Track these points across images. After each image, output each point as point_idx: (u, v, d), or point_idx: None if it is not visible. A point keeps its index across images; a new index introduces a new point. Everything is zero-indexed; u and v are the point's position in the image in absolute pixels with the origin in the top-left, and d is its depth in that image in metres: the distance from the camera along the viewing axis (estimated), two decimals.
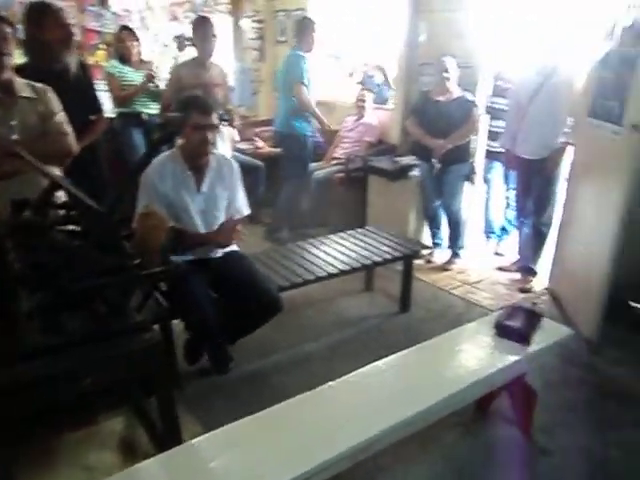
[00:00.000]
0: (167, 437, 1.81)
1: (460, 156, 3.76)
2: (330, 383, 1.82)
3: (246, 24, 5.99)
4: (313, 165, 4.60)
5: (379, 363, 1.97)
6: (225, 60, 5.25)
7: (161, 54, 6.62)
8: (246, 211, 2.65)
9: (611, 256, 2.74)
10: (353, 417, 1.68)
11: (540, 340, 2.12)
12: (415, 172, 3.98)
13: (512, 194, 3.89)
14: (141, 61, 4.20)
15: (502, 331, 2.15)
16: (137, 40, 4.19)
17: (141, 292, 1.72)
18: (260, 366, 2.68)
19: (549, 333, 2.19)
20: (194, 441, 1.59)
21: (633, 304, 3.26)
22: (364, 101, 4.61)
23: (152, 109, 4.12)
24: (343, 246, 3.18)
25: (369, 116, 4.64)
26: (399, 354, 2.03)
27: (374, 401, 1.76)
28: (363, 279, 3.51)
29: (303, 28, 4.21)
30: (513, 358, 2.03)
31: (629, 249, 2.79)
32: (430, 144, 3.72)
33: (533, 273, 3.64)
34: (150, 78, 4.03)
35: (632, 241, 2.78)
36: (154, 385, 1.80)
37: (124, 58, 4.11)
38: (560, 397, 2.47)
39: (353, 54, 5.58)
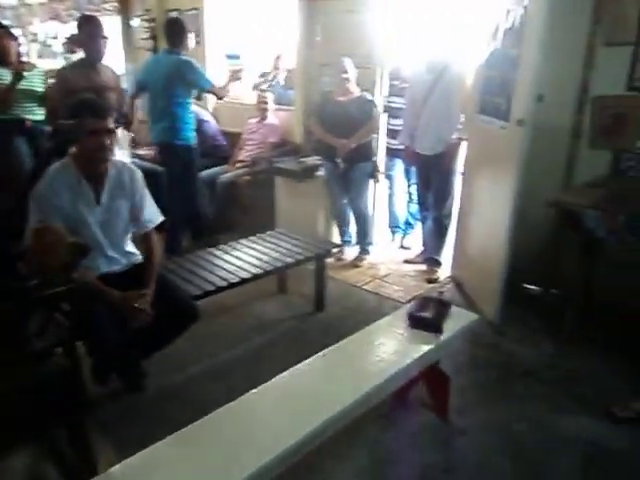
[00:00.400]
0: (80, 469, 1.68)
1: (363, 155, 3.86)
2: (253, 391, 1.79)
3: (137, 24, 5.74)
4: (218, 169, 4.51)
5: (300, 365, 1.96)
6: (115, 61, 4.98)
7: (41, 55, 6.16)
8: (158, 219, 2.51)
9: (506, 242, 2.94)
10: (279, 423, 1.66)
11: (450, 327, 2.23)
12: (321, 172, 4.03)
13: (414, 189, 4.06)
14: (20, 62, 3.82)
15: (415, 322, 2.23)
16: (15, 39, 3.84)
17: (41, 315, 1.58)
18: (179, 380, 2.57)
19: (458, 320, 2.30)
20: (111, 470, 1.49)
21: (527, 286, 3.53)
22: (265, 102, 4.59)
23: (38, 115, 3.80)
24: (254, 250, 3.15)
25: (271, 117, 4.63)
26: (319, 354, 2.04)
27: (298, 404, 1.76)
28: (276, 282, 3.49)
29: (179, 30, 3.85)
30: (427, 347, 2.12)
31: (520, 235, 3.02)
32: (334, 144, 3.79)
33: (438, 263, 3.83)
34: (18, 75, 3.57)
35: (523, 227, 3.01)
36: (61, 414, 1.67)
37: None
38: (471, 378, 2.62)
39: (254, 54, 5.52)
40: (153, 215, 2.48)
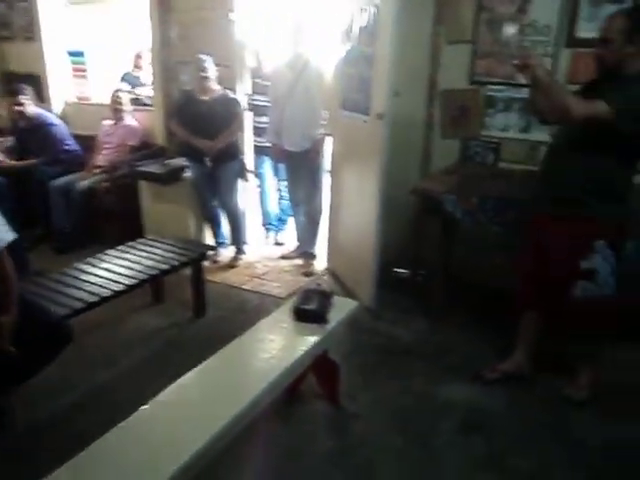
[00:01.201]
0: None
1: (230, 154, 3.81)
2: (142, 407, 1.68)
3: None
4: (73, 176, 4.16)
5: (190, 374, 1.89)
6: None
7: None
8: (9, 236, 2.17)
9: (376, 231, 3.10)
10: (175, 437, 1.58)
11: (334, 317, 2.29)
12: (187, 173, 3.89)
13: (284, 185, 4.11)
14: None
15: (301, 315, 2.26)
16: None
17: None
18: (54, 411, 2.33)
19: (340, 308, 2.38)
20: None
21: (397, 270, 3.76)
22: (120, 103, 4.32)
23: None
24: (125, 260, 2.95)
25: (129, 118, 4.37)
26: (207, 360, 1.97)
27: (192, 414, 1.68)
28: (152, 291, 3.31)
29: None
30: (315, 338, 2.16)
31: (388, 222, 3.20)
32: (200, 145, 3.69)
33: (313, 257, 3.92)
34: None
35: (390, 215, 3.19)
36: None
37: None
38: (357, 363, 2.72)
39: (105, 52, 5.14)
40: (3, 234, 2.16)
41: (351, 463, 2.09)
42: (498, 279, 2.92)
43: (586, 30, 2.92)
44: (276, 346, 2.13)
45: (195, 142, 3.70)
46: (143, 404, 1.69)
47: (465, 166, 3.35)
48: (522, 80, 2.74)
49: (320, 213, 3.86)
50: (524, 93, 3.06)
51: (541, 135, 3.10)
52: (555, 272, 2.32)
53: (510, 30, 3.15)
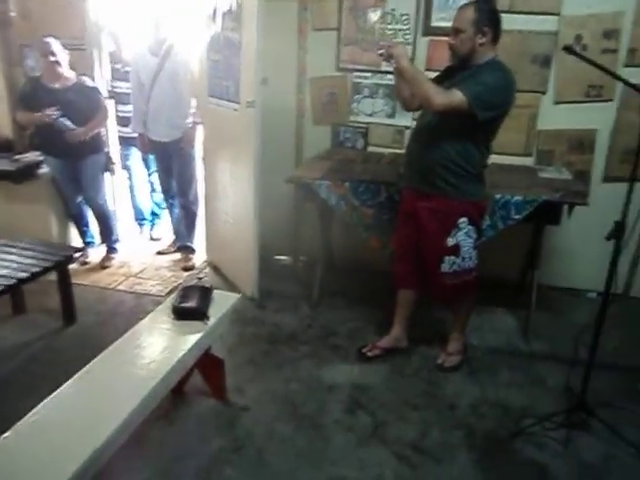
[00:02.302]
0: None
1: (93, 146, 3.52)
2: (5, 435, 1.51)
3: None
4: None
5: (61, 389, 1.73)
6: None
7: None
8: None
9: (254, 220, 3.07)
10: (47, 460, 1.44)
11: (215, 311, 2.24)
12: (44, 169, 3.54)
13: (155, 178, 3.91)
14: None
15: (180, 314, 2.18)
16: None
17: None
18: None
19: (221, 303, 2.33)
20: None
21: (278, 257, 3.77)
22: None
23: None
24: None
25: None
26: (81, 371, 1.83)
27: (66, 433, 1.55)
28: (10, 303, 2.98)
29: None
30: (197, 336, 2.09)
31: (266, 211, 3.19)
32: (61, 127, 3.29)
33: (192, 250, 3.79)
34: None
35: (267, 203, 3.18)
36: None
37: None
38: (243, 356, 2.69)
39: None
40: None
41: (242, 457, 2.07)
42: (376, 261, 3.04)
43: (440, 20, 3.11)
44: (156, 349, 2.02)
45: (56, 124, 3.29)
46: (4, 431, 1.52)
47: (337, 152, 3.43)
48: (386, 67, 2.85)
49: (196, 205, 3.73)
50: (388, 80, 3.20)
51: (406, 120, 3.26)
52: (425, 249, 2.47)
53: (372, 18, 3.25)
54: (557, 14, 3.01)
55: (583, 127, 3.15)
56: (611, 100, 3.07)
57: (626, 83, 1.97)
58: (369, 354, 2.69)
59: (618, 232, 1.96)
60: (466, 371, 2.64)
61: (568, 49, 1.86)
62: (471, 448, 2.15)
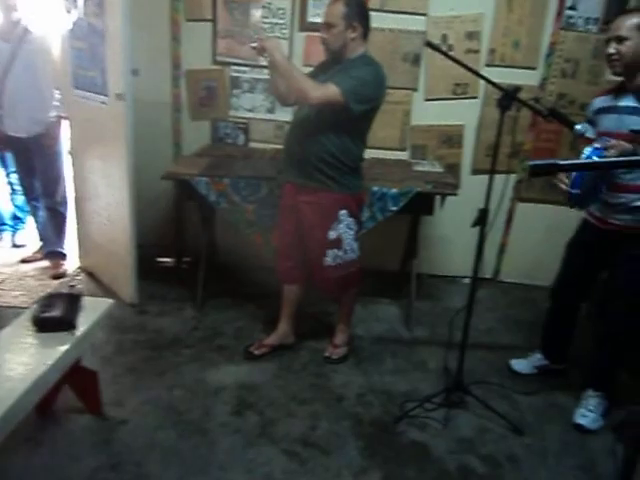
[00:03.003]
0: None
1: None
2: None
3: None
4: None
5: None
6: None
7: None
8: None
9: (130, 221, 2.87)
10: None
11: (85, 320, 2.06)
12: None
13: (15, 178, 3.53)
14: None
15: (42, 325, 1.97)
16: None
17: None
18: None
19: (93, 310, 2.14)
20: None
21: (160, 259, 3.59)
22: None
23: None
24: None
25: None
26: None
27: None
28: None
29: None
30: (62, 348, 1.90)
31: (144, 210, 3.01)
32: None
33: (62, 256, 3.48)
34: None
35: (145, 202, 3.00)
36: None
37: None
38: (122, 365, 2.51)
39: None
40: None
41: (121, 474, 1.92)
42: (262, 257, 2.99)
43: (316, 15, 3.13)
44: (13, 366, 1.80)
45: None
46: None
47: (217, 148, 3.33)
48: (264, 61, 2.80)
49: (64, 206, 3.43)
50: (267, 74, 3.15)
51: (286, 115, 3.24)
52: (308, 243, 2.47)
53: (248, 11, 3.19)
54: (424, 14, 3.16)
55: (452, 123, 3.35)
56: (476, 97, 3.28)
57: (482, 77, 2.10)
58: (256, 352, 2.64)
59: (482, 219, 2.08)
60: (353, 361, 2.68)
61: (429, 44, 1.94)
62: (358, 436, 2.18)
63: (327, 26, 2.25)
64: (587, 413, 2.30)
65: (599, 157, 1.85)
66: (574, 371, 2.59)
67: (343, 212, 2.39)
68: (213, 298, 3.13)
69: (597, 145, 1.91)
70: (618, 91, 2.15)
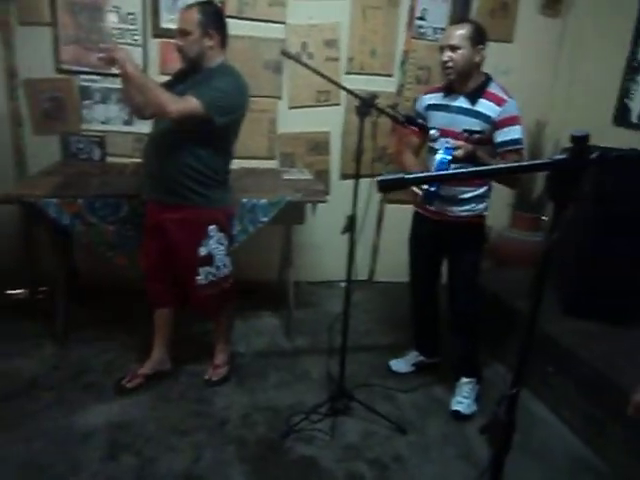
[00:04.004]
0: None
1: None
2: None
3: None
4: None
5: None
6: None
7: None
8: None
9: None
10: None
11: None
12: None
13: None
14: None
15: None
16: None
17: None
18: None
19: None
20: None
21: (12, 292, 3.20)
22: None
23: None
24: None
25: None
26: None
27: None
28: None
29: None
30: None
31: None
32: None
33: None
34: None
35: None
36: None
37: None
38: None
39: None
40: None
41: None
42: (129, 281, 2.77)
43: (170, 21, 2.98)
44: None
45: None
46: None
47: (69, 164, 3.03)
48: (116, 70, 2.60)
49: None
50: (120, 84, 2.94)
51: (146, 127, 3.03)
52: (178, 262, 2.32)
53: (94, 15, 2.94)
54: (283, 23, 3.15)
55: (317, 130, 3.38)
56: (338, 104, 3.34)
57: (338, 85, 2.12)
58: (129, 385, 2.43)
59: (350, 226, 2.10)
60: (235, 381, 2.58)
61: (285, 53, 1.91)
62: (244, 460, 2.08)
63: (182, 33, 2.13)
64: (462, 400, 2.44)
65: (450, 155, 2.02)
66: (448, 362, 2.72)
67: (212, 227, 2.29)
68: (77, 330, 2.83)
69: (447, 145, 2.06)
70: (448, 91, 2.30)
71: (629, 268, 2.50)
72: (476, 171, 0.92)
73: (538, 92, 3.51)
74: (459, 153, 2.04)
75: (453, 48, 2.15)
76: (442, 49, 2.20)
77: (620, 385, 2.07)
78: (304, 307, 3.29)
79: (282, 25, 3.15)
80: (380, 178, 0.81)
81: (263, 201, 2.64)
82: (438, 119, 2.29)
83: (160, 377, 2.52)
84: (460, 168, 2.15)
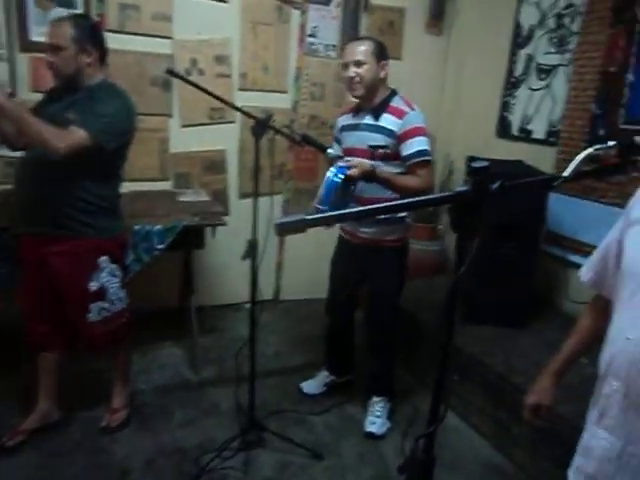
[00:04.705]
0: None
1: None
2: None
3: None
4: None
5: None
6: None
7: None
8: None
9: None
10: None
11: None
12: None
13: None
14: None
15: None
16: None
17: None
18: None
19: None
20: None
21: None
22: None
23: None
24: None
25: None
26: None
27: None
28: None
29: None
30: None
31: None
32: None
33: None
34: None
35: None
36: None
37: None
38: None
39: None
40: None
41: None
42: (4, 323, 2.46)
43: (41, 34, 2.70)
44: None
45: None
46: None
47: None
48: None
49: None
50: None
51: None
52: (66, 299, 2.10)
53: None
54: (170, 38, 3.00)
55: (213, 148, 3.25)
56: (234, 122, 3.24)
57: (229, 104, 2.04)
58: (10, 444, 2.13)
59: (251, 251, 2.01)
60: (137, 424, 2.37)
61: (171, 72, 1.79)
62: None
63: (53, 48, 1.93)
64: (375, 419, 2.42)
65: (343, 174, 1.95)
66: (360, 380, 2.70)
67: (103, 259, 2.09)
68: None
69: (341, 164, 2.01)
70: (357, 110, 2.30)
71: (517, 273, 2.64)
72: (373, 209, 0.89)
73: (427, 107, 3.59)
74: (354, 172, 1.99)
75: (359, 64, 2.14)
76: (346, 65, 2.18)
77: (519, 386, 2.17)
78: (209, 334, 3.13)
79: (169, 40, 3.00)
80: (279, 221, 0.74)
81: (158, 227, 2.46)
82: (348, 139, 2.28)
83: (48, 430, 2.25)
84: (365, 188, 2.14)
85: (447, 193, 0.84)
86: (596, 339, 1.30)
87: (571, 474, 1.10)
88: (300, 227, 0.73)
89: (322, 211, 2.01)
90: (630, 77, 2.51)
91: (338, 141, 2.36)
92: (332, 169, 1.98)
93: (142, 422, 2.38)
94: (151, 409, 2.48)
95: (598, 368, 1.08)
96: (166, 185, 3.17)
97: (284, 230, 0.75)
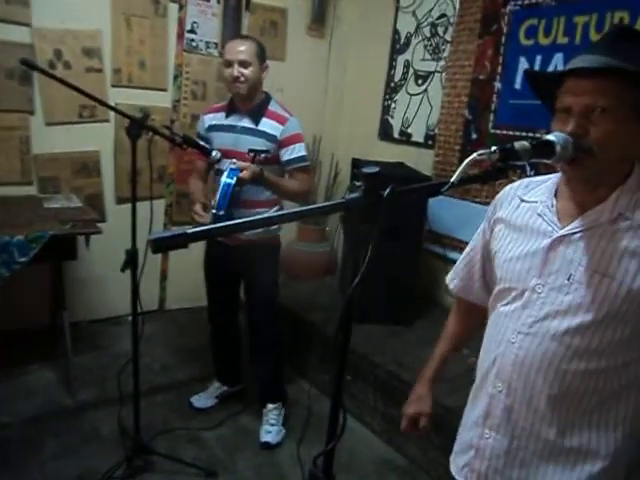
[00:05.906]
0: None
1: None
2: None
3: None
4: None
5: None
6: None
7: None
8: None
9: None
10: None
11: None
12: None
13: None
14: None
15: None
16: None
17: None
18: None
19: None
20: None
21: None
22: None
23: None
24: None
25: None
26: None
27: None
28: None
29: None
30: None
31: None
32: None
33: None
34: None
35: None
36: None
37: None
38: None
39: None
40: None
41: None
42: None
43: None
44: None
45: None
46: None
47: None
48: None
49: None
50: None
51: None
52: None
53: None
54: (28, 25, 2.69)
55: (84, 149, 2.97)
56: (107, 121, 2.99)
57: (98, 101, 1.85)
58: None
59: (131, 261, 1.85)
60: None
61: (26, 63, 1.59)
62: None
63: None
64: (270, 428, 2.36)
65: (235, 176, 1.95)
66: (253, 388, 2.62)
67: None
68: None
69: (232, 167, 1.98)
70: (230, 110, 2.22)
71: (402, 272, 2.71)
72: (266, 219, 0.83)
73: (312, 109, 3.64)
74: (245, 175, 1.97)
75: (244, 64, 2.09)
76: (229, 64, 2.11)
77: (409, 382, 2.22)
78: (87, 352, 2.86)
79: (27, 28, 2.69)
80: (154, 236, 0.64)
81: (19, 238, 2.18)
82: (222, 140, 2.19)
83: None
84: (245, 190, 2.09)
85: (339, 201, 0.81)
86: (466, 340, 1.35)
87: (458, 470, 1.11)
88: (181, 242, 0.64)
89: (219, 217, 1.95)
90: (498, 85, 2.70)
91: (204, 139, 2.23)
92: (226, 173, 1.96)
93: (4, 461, 2.08)
94: (16, 445, 2.18)
95: (478, 368, 1.11)
96: (29, 190, 2.84)
97: (162, 246, 0.66)
